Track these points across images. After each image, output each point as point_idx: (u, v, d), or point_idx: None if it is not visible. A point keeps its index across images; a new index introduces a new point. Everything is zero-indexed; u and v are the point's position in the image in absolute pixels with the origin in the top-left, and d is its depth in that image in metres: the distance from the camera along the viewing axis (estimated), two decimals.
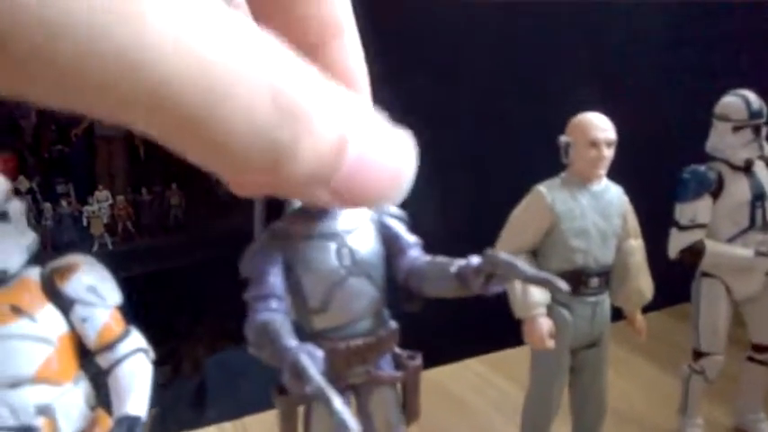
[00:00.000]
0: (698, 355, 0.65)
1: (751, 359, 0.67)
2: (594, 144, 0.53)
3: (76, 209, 2.02)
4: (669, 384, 0.72)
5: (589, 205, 0.54)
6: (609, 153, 0.53)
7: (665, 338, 0.84)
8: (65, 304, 0.39)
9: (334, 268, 0.39)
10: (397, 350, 0.44)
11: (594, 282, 0.55)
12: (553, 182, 0.55)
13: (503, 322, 0.57)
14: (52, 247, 1.82)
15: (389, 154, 0.14)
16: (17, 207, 0.37)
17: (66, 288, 0.39)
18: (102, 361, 0.41)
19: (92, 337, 0.40)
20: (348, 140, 0.13)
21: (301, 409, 0.42)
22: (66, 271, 0.39)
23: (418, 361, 0.44)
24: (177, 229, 2.17)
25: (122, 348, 0.40)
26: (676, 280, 0.67)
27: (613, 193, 0.56)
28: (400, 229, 0.42)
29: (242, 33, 0.11)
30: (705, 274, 0.64)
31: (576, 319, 0.56)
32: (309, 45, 0.15)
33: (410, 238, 0.42)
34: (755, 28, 0.90)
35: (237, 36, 0.11)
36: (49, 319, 0.38)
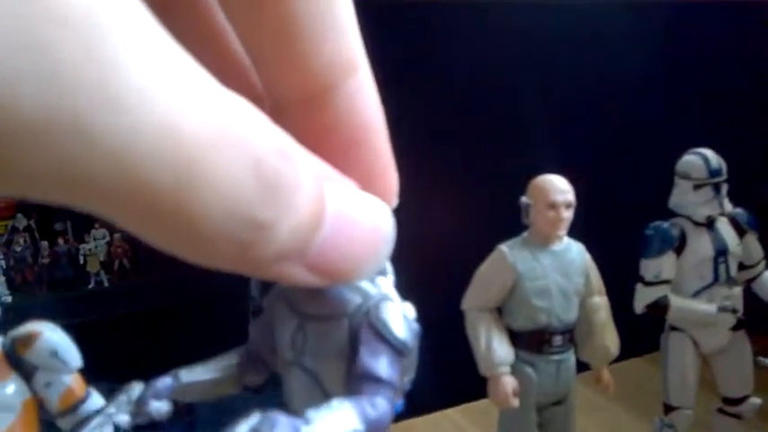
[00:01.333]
0: (668, 408, 0.66)
1: (721, 411, 0.67)
2: (553, 206, 0.54)
3: (73, 246, 2.05)
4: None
5: (550, 265, 0.56)
6: (568, 214, 0.55)
7: (644, 385, 0.84)
8: (28, 371, 0.40)
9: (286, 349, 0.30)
10: None
11: (558, 340, 0.56)
12: (515, 241, 0.57)
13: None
14: (48, 285, 1.84)
15: (367, 223, 0.13)
16: None
17: (29, 355, 0.40)
18: (64, 424, 0.42)
19: (54, 402, 0.41)
20: (326, 212, 0.12)
21: None
22: (28, 339, 0.40)
23: None
24: (173, 266, 2.18)
25: (83, 411, 0.41)
26: (656, 327, 0.68)
27: (574, 252, 0.57)
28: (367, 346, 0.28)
29: (220, 100, 0.10)
30: (673, 328, 0.65)
31: (540, 377, 0.57)
32: (320, 87, 0.13)
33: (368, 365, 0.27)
34: (714, 88, 0.93)
35: (215, 103, 0.09)
36: (12, 388, 0.39)
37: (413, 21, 0.90)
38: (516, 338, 0.56)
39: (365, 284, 0.25)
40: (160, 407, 0.34)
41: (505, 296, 0.57)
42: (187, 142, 0.09)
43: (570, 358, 0.58)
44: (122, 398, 0.35)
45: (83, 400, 0.42)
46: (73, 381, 0.41)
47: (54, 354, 0.40)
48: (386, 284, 0.25)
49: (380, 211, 0.14)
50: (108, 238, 2.10)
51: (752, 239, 0.64)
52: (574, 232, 0.58)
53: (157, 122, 0.08)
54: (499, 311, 0.58)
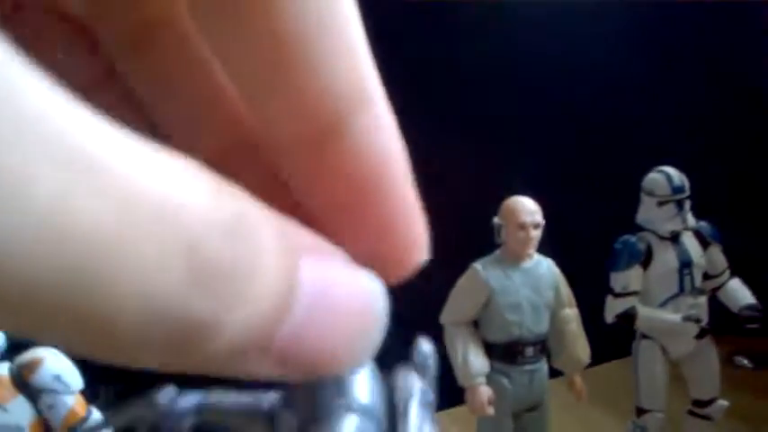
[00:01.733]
0: (640, 411, 0.69)
1: (692, 413, 0.71)
2: (523, 227, 0.58)
3: None
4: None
5: (521, 281, 0.59)
6: (536, 233, 0.58)
7: (623, 387, 0.87)
8: (33, 394, 0.44)
9: None
10: None
11: (530, 351, 0.60)
12: (488, 259, 0.60)
13: None
14: None
15: (353, 304, 0.10)
16: None
17: (34, 380, 0.44)
18: None
19: (58, 422, 0.44)
20: (298, 293, 0.09)
21: None
22: (33, 365, 0.44)
23: None
24: None
25: (86, 430, 0.45)
26: (630, 332, 0.71)
27: (544, 268, 0.61)
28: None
29: (140, 167, 0.07)
30: (644, 336, 0.69)
31: (514, 386, 0.60)
32: (326, 125, 0.11)
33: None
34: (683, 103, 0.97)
35: (126, 173, 0.07)
36: (19, 409, 0.43)
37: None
38: (491, 350, 0.60)
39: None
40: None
41: (480, 311, 0.60)
42: (82, 234, 0.07)
43: (542, 368, 0.62)
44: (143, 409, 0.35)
45: (84, 419, 0.45)
46: (75, 402, 0.45)
47: (57, 378, 0.44)
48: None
49: (371, 289, 0.11)
50: None
51: (716, 251, 0.67)
52: (548, 246, 0.62)
53: (41, 218, 0.06)
54: (476, 324, 0.62)
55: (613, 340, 0.76)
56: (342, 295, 0.10)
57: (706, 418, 0.70)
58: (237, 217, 0.08)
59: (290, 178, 0.11)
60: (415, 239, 0.12)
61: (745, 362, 1.00)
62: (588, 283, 0.66)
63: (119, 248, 0.07)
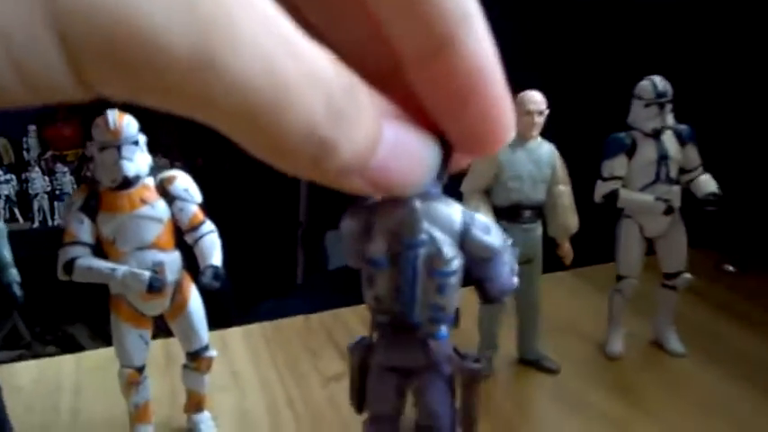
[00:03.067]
0: (619, 278, 0.86)
1: (663, 285, 0.87)
2: (529, 113, 0.74)
3: None
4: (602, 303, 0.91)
5: (525, 157, 0.76)
6: (539, 120, 0.74)
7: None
8: (169, 199, 0.62)
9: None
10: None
11: (527, 213, 0.77)
12: None
13: None
14: None
15: (415, 147, 0.16)
16: (143, 139, 0.61)
17: (171, 189, 0.62)
18: (189, 238, 0.64)
19: (185, 222, 0.63)
20: (381, 137, 0.15)
21: None
22: (171, 178, 0.62)
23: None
24: (230, 194, 2.42)
25: (203, 229, 0.64)
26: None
27: (545, 149, 0.77)
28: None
29: (303, 48, 0.13)
30: (625, 216, 0.84)
31: (513, 240, 0.77)
32: (438, 40, 0.15)
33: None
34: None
35: (300, 51, 0.13)
36: (161, 208, 0.62)
37: None
38: (497, 212, 0.77)
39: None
40: None
41: (491, 181, 0.77)
42: (282, 81, 0.12)
43: (537, 228, 0.78)
44: None
45: (202, 223, 0.64)
46: (197, 209, 0.64)
47: (185, 190, 0.63)
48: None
49: (427, 143, 0.17)
50: (170, 168, 2.35)
51: (691, 149, 0.82)
52: (555, 138, 0.77)
53: (261, 64, 0.12)
54: (488, 193, 0.79)
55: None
56: (410, 144, 0.16)
57: (672, 288, 0.86)
58: (352, 84, 0.14)
59: (415, 84, 0.16)
60: (507, 124, 0.17)
61: (731, 268, 1.14)
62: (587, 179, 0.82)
63: (293, 95, 0.12)
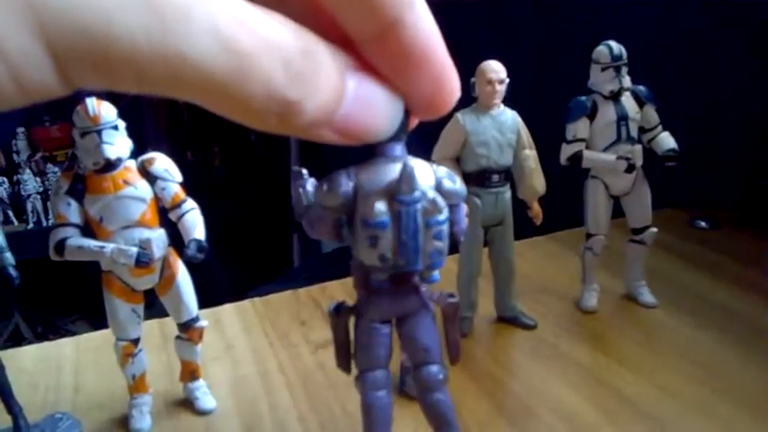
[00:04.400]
0: (588, 236, 0.90)
1: (631, 240, 0.91)
2: (490, 82, 0.77)
3: None
4: (578, 263, 0.96)
5: (489, 124, 0.79)
6: (500, 88, 0.78)
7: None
8: (151, 179, 0.65)
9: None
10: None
11: (495, 178, 0.81)
12: (466, 109, 0.80)
13: None
14: None
15: (378, 97, 0.18)
16: (122, 124, 0.65)
17: (152, 169, 0.66)
18: (173, 216, 0.68)
19: (167, 200, 0.66)
20: (345, 91, 0.17)
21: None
22: (151, 160, 0.66)
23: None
24: (220, 188, 2.46)
25: (185, 207, 0.67)
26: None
27: (508, 116, 0.80)
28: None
29: (257, 21, 0.14)
30: (592, 177, 0.88)
31: (483, 204, 0.81)
32: (388, 23, 0.17)
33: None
34: None
35: (254, 24, 0.14)
36: (143, 188, 0.65)
37: None
38: (467, 178, 0.81)
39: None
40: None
41: (460, 149, 0.81)
42: (238, 54, 0.14)
43: (506, 192, 0.82)
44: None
45: (184, 201, 0.68)
46: (178, 188, 0.68)
47: (166, 170, 0.67)
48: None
49: (388, 92, 0.18)
50: None
51: (649, 109, 0.85)
52: (523, 105, 0.81)
53: (217, 43, 0.13)
54: (458, 160, 0.82)
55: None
56: (373, 94, 0.18)
57: (640, 242, 0.90)
58: (309, 44, 0.15)
59: (368, 56, 0.17)
60: (453, 88, 0.19)
61: (703, 224, 1.18)
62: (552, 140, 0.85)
63: (253, 63, 0.14)
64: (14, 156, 2.12)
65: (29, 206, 2.01)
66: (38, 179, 2.06)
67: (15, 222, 2.02)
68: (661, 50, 1.11)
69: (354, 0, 0.16)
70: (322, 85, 0.16)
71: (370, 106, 0.18)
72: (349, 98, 0.17)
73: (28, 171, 2.06)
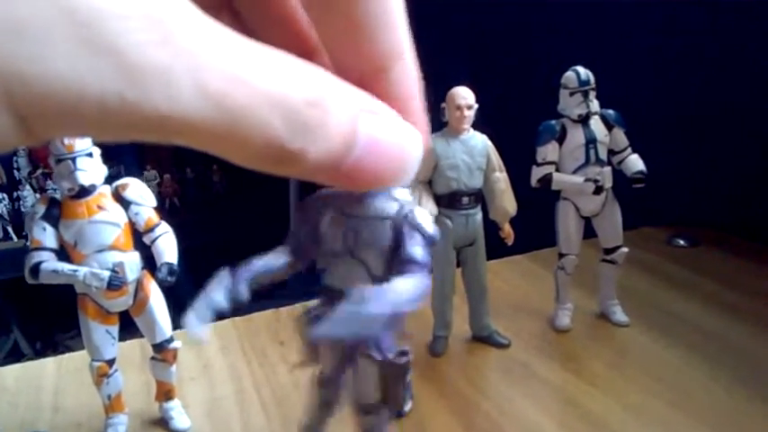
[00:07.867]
0: (560, 255, 0.91)
1: (603, 260, 0.93)
2: (459, 108, 0.80)
3: None
4: (552, 283, 0.97)
5: (459, 148, 0.81)
6: (469, 113, 0.80)
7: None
8: (125, 204, 0.68)
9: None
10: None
11: (466, 200, 0.83)
12: (437, 134, 0.83)
13: None
14: None
15: (395, 146, 0.17)
16: (97, 151, 0.67)
17: (125, 195, 0.68)
18: (146, 239, 0.70)
19: (141, 224, 0.69)
20: (356, 137, 0.16)
21: None
22: (124, 185, 0.68)
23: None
24: (219, 204, 2.48)
25: (157, 231, 0.70)
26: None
27: (478, 140, 0.83)
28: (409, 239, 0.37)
29: (255, 73, 0.13)
30: (563, 198, 0.90)
31: (455, 225, 0.83)
32: (375, 69, 0.17)
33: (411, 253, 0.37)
34: None
35: (251, 77, 0.13)
36: (117, 213, 0.68)
37: None
38: (439, 200, 0.83)
39: (401, 195, 0.36)
40: (244, 291, 0.41)
41: (431, 172, 0.83)
42: (231, 111, 0.13)
43: (477, 213, 0.84)
44: (215, 284, 0.41)
45: (157, 225, 0.70)
46: (152, 213, 0.70)
47: (140, 195, 0.69)
48: (408, 195, 0.37)
49: (410, 138, 0.17)
50: (158, 179, 2.40)
51: (618, 132, 0.87)
52: (495, 129, 0.83)
53: (205, 102, 0.13)
54: (429, 183, 0.84)
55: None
56: (390, 139, 0.17)
57: (612, 262, 0.92)
58: (317, 92, 0.14)
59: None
60: (424, 138, 0.19)
61: (682, 242, 1.20)
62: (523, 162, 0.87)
63: (250, 113, 0.13)
64: (15, 172, 2.15)
65: None
66: (38, 196, 2.09)
67: (15, 239, 2.05)
68: (631, 72, 1.13)
69: (348, 42, 0.17)
70: (328, 133, 0.15)
71: (386, 152, 0.17)
72: (361, 144, 0.16)
73: (28, 187, 2.09)
